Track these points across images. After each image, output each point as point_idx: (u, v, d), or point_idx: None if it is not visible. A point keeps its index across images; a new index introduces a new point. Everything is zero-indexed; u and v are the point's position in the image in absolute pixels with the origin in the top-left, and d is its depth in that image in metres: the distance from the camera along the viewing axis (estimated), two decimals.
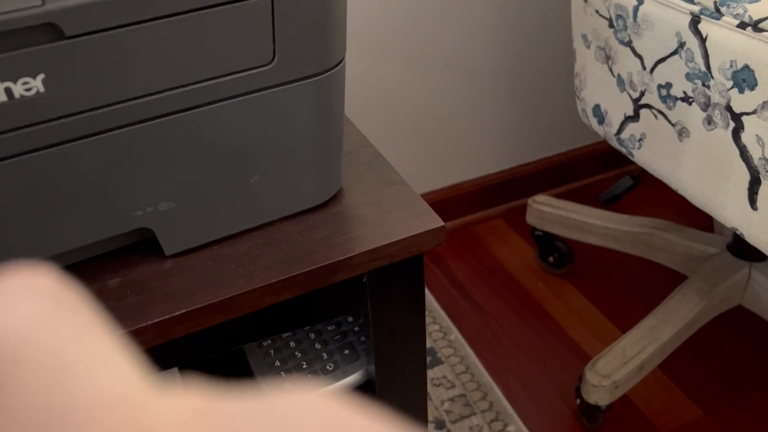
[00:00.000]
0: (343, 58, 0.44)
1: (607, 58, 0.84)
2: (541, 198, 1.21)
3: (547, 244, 1.23)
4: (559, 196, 1.32)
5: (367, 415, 0.12)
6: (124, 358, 0.12)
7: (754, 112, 0.65)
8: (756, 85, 0.64)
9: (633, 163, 0.99)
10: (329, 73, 0.43)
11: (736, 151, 0.69)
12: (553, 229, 1.20)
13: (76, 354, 0.12)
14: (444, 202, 1.32)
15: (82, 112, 0.37)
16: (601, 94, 0.87)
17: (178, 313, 0.42)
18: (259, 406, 0.11)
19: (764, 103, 0.64)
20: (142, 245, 0.46)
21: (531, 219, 1.22)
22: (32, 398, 0.11)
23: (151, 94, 0.38)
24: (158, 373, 0.50)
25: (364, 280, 0.49)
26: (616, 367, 0.94)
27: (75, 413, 0.11)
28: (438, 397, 1.04)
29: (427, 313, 1.18)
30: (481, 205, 1.37)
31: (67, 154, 0.38)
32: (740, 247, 1.04)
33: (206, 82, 0.39)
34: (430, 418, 1.01)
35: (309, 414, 0.11)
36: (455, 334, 1.14)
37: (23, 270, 0.13)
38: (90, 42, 0.35)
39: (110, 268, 0.45)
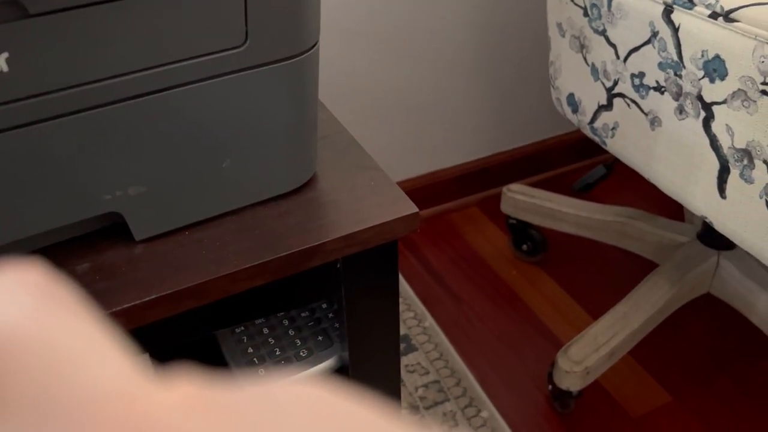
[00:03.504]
0: (317, 42, 0.44)
1: (582, 47, 0.84)
2: (515, 187, 1.22)
3: (521, 232, 1.24)
4: (534, 185, 1.33)
5: (358, 403, 0.12)
6: (116, 349, 0.12)
7: (724, 102, 0.66)
8: (726, 75, 0.65)
9: (607, 152, 1.00)
10: (303, 56, 0.42)
11: (707, 141, 0.70)
12: (527, 217, 1.20)
13: (70, 347, 0.12)
14: (420, 190, 1.33)
15: (48, 92, 0.36)
16: (575, 83, 0.88)
17: (148, 299, 0.41)
18: (253, 394, 0.12)
19: (734, 93, 0.65)
20: (112, 230, 0.45)
21: (505, 207, 1.22)
22: (29, 392, 0.11)
23: (119, 76, 0.37)
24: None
25: (338, 266, 0.49)
26: (588, 353, 0.95)
27: (73, 405, 0.11)
28: (412, 384, 1.04)
29: (401, 300, 1.18)
30: (456, 193, 1.37)
31: (33, 136, 0.37)
32: (710, 236, 1.05)
33: (176, 64, 0.38)
34: (404, 404, 1.02)
35: (302, 402, 0.11)
36: (429, 321, 1.14)
37: (11, 265, 0.13)
38: (55, 20, 0.34)
39: (79, 253, 0.44)
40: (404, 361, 1.08)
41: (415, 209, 0.48)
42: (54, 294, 0.13)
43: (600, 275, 1.22)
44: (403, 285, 1.21)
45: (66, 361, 0.11)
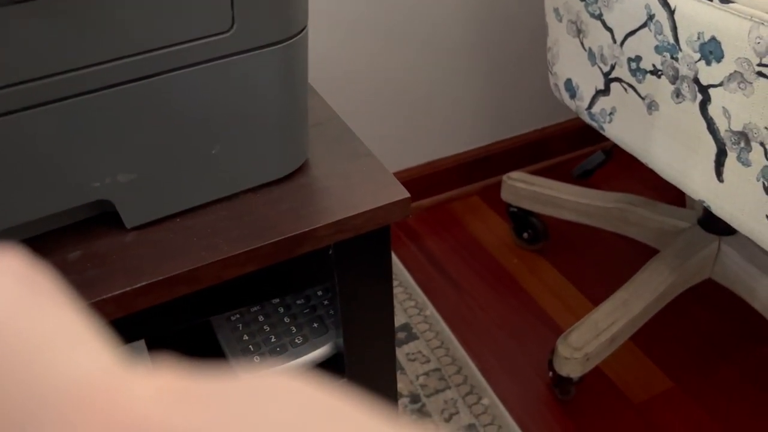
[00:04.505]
0: (306, 26, 0.44)
1: (579, 31, 0.84)
2: (515, 175, 1.21)
3: (521, 220, 1.24)
4: (534, 172, 1.33)
5: (341, 397, 0.12)
6: (97, 339, 0.12)
7: (720, 85, 0.66)
8: (722, 57, 0.64)
9: (607, 139, 0.99)
10: (291, 41, 0.42)
11: (704, 124, 0.69)
12: (528, 205, 1.20)
13: (48, 337, 0.12)
14: (420, 179, 1.32)
15: (33, 79, 0.36)
16: (572, 68, 0.87)
17: (139, 285, 0.41)
18: (233, 385, 0.12)
19: (731, 75, 0.64)
20: (103, 218, 0.45)
21: (506, 195, 1.22)
22: (7, 382, 0.11)
23: (105, 62, 0.37)
24: (124, 345, 0.49)
25: (330, 252, 0.49)
26: (588, 339, 0.95)
27: (51, 395, 0.11)
28: (413, 372, 1.05)
29: (402, 289, 1.18)
30: (457, 182, 1.37)
31: (19, 124, 0.37)
32: (710, 221, 1.05)
33: (162, 50, 0.38)
34: (405, 392, 1.02)
35: (283, 395, 0.11)
36: (430, 310, 1.14)
37: None
38: (38, 6, 0.34)
39: (70, 241, 0.44)
40: (405, 349, 1.08)
41: (407, 194, 0.48)
42: (34, 283, 0.13)
43: (601, 262, 1.22)
44: (404, 274, 1.21)
45: (43, 351, 0.11)
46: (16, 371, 0.11)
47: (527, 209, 1.21)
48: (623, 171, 1.38)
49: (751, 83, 0.62)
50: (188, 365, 0.12)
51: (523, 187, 1.19)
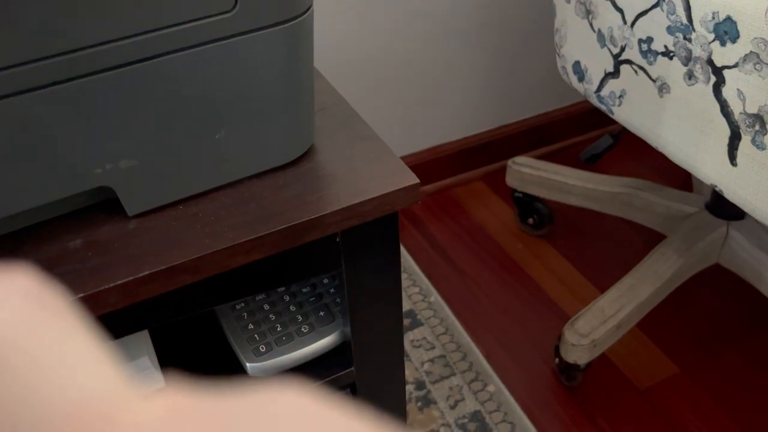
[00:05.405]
0: (311, 6, 0.42)
1: (588, 12, 0.82)
2: (520, 159, 1.20)
3: (526, 205, 1.22)
4: (540, 157, 1.31)
5: (349, 413, 0.12)
6: (103, 359, 0.12)
7: (735, 66, 0.64)
8: (738, 37, 0.62)
9: (614, 123, 0.98)
10: (296, 21, 0.41)
11: (717, 106, 0.68)
12: (533, 190, 1.19)
13: (55, 356, 0.12)
14: (424, 164, 1.31)
15: (32, 61, 0.35)
16: (581, 50, 0.86)
17: (142, 274, 0.40)
18: (239, 404, 0.11)
19: (746, 55, 0.62)
20: (105, 205, 0.44)
21: (511, 180, 1.21)
22: (11, 401, 0.11)
23: (105, 43, 0.36)
24: (127, 335, 0.48)
25: (338, 239, 0.48)
26: (595, 326, 0.94)
27: (54, 417, 0.11)
28: (418, 359, 1.04)
29: (407, 275, 1.17)
30: (461, 167, 1.36)
31: (17, 107, 0.35)
32: (718, 206, 1.04)
33: (163, 30, 0.37)
34: (410, 379, 1.01)
35: (289, 413, 0.11)
36: (435, 296, 1.13)
37: (4, 270, 0.13)
38: None
39: (71, 229, 0.43)
40: (410, 336, 1.07)
41: (416, 180, 0.47)
42: (43, 300, 0.13)
43: (607, 248, 1.21)
44: (408, 260, 1.20)
45: (48, 372, 0.11)
46: (21, 391, 0.11)
47: (532, 194, 1.19)
48: (630, 155, 1.36)
49: (767, 64, 0.61)
50: (195, 383, 0.12)
51: (528, 172, 1.18)
